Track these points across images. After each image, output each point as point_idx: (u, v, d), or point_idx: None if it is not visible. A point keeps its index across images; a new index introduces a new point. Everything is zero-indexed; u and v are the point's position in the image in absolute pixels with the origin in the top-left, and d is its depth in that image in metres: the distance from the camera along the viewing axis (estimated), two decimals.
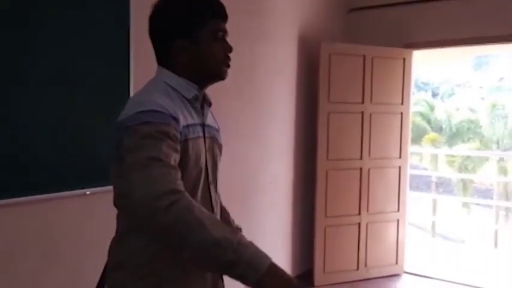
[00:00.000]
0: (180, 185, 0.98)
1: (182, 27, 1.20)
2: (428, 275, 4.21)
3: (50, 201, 2.08)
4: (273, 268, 0.92)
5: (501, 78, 21.22)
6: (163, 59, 1.25)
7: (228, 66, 1.26)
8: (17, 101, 1.92)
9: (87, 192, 2.19)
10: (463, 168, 15.68)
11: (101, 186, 2.21)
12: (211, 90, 1.33)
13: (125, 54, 2.31)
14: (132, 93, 2.32)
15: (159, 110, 1.08)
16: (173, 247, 0.98)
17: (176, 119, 1.10)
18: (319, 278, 3.87)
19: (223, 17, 1.26)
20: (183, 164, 1.10)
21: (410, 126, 4.26)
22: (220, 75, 1.26)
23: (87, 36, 2.16)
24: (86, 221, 2.25)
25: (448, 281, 4.10)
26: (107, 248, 1.73)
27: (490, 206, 9.56)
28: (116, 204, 1.17)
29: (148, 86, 1.23)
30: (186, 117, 1.17)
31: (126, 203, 0.98)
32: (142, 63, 2.34)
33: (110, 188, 2.24)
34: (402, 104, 4.14)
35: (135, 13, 2.31)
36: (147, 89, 1.21)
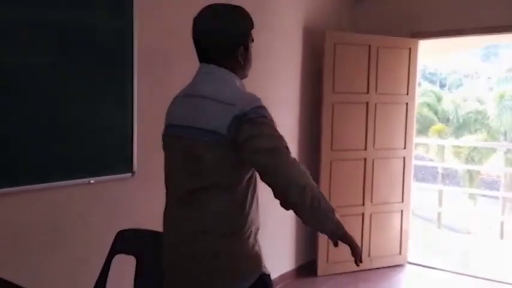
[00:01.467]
0: None
1: (245, 37, 1.43)
2: (432, 266, 4.22)
3: (54, 190, 2.10)
4: (346, 230, 1.34)
5: (510, 69, 20.98)
6: (222, 61, 1.41)
7: None
8: (28, 95, 1.94)
9: (91, 181, 2.21)
10: (469, 160, 15.59)
11: (104, 175, 2.24)
12: None
13: (127, 57, 2.33)
14: (135, 90, 2.35)
15: (264, 106, 1.36)
16: (306, 210, 1.29)
17: None
18: (322, 268, 3.89)
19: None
20: None
21: (415, 116, 4.23)
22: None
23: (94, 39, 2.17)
24: (89, 210, 2.28)
25: (452, 272, 4.10)
26: (110, 235, 1.76)
27: (496, 198, 9.53)
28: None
29: (227, 81, 1.41)
30: None
31: (275, 179, 1.29)
32: (143, 64, 2.36)
33: (113, 177, 2.27)
34: (408, 94, 4.11)
35: (138, 13, 2.31)
36: (234, 84, 1.42)
